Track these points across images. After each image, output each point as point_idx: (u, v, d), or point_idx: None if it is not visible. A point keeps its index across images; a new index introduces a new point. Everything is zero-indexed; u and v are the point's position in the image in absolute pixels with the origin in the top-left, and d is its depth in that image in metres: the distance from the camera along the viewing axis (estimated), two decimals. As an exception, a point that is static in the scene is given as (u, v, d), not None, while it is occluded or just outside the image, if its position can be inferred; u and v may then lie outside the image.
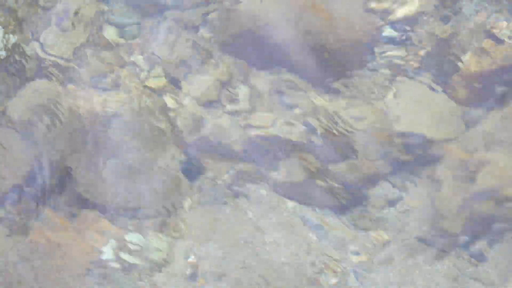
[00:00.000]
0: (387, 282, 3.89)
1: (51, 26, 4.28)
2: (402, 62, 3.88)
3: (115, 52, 4.21)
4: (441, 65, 3.85)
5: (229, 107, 4.06)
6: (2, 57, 4.29)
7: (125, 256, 4.12)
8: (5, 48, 4.28)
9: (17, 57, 4.29)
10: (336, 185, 3.93)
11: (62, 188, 4.18)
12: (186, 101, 4.11)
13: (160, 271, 4.08)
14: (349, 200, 3.93)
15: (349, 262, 3.93)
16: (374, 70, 3.91)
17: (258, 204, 4.01)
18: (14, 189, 4.23)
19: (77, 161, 4.17)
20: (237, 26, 4.05)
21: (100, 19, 4.24)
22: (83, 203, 4.16)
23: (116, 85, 4.20)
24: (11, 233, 4.22)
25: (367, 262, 3.91)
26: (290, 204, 3.99)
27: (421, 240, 3.85)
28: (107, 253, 4.12)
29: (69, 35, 4.27)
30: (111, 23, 4.24)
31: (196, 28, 4.14)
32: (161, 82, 4.16)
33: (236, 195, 4.03)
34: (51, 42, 4.28)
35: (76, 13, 4.25)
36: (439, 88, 3.84)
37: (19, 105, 4.28)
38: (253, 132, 4.01)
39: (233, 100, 4.07)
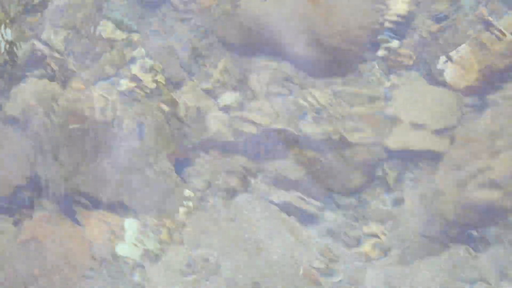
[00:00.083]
0: (385, 276, 3.87)
1: (48, 23, 4.32)
2: (400, 55, 3.90)
3: (114, 47, 4.24)
4: (438, 57, 3.87)
5: (228, 102, 4.08)
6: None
7: (122, 251, 4.12)
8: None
9: (13, 54, 4.33)
10: (332, 178, 3.93)
11: (58, 184, 4.20)
12: (185, 98, 4.13)
13: (155, 267, 4.08)
14: (346, 195, 3.93)
15: (347, 258, 3.92)
16: (372, 64, 3.92)
17: (254, 201, 4.01)
18: (11, 185, 4.26)
19: (75, 158, 4.19)
20: (238, 23, 4.07)
21: (98, 15, 4.28)
22: (80, 199, 4.18)
23: (115, 82, 4.22)
24: (7, 229, 4.24)
25: (364, 257, 3.90)
26: (285, 199, 3.99)
27: (419, 234, 3.84)
28: (105, 248, 4.13)
29: (68, 32, 4.31)
30: (109, 19, 4.28)
31: (194, 23, 4.17)
32: (161, 79, 4.18)
33: (233, 192, 4.04)
34: (49, 38, 4.32)
35: (72, 10, 4.30)
36: (437, 80, 3.85)
37: (17, 102, 4.31)
38: (250, 126, 4.03)
39: (232, 94, 4.09)
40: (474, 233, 3.79)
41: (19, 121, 4.28)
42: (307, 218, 3.96)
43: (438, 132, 3.84)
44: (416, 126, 3.85)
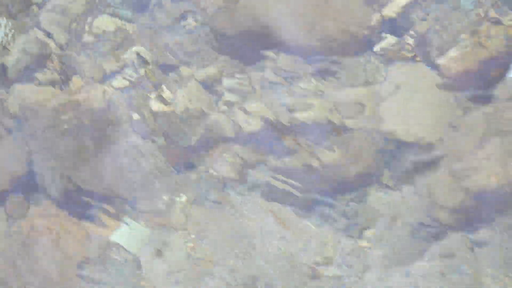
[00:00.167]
0: (382, 269, 3.91)
1: (47, 17, 4.31)
2: (397, 49, 3.90)
3: (111, 41, 4.23)
4: (435, 52, 3.87)
5: (227, 96, 4.08)
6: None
7: (120, 245, 4.15)
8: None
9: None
10: (330, 172, 3.95)
11: (55, 179, 4.21)
12: (183, 91, 4.13)
13: (152, 263, 4.10)
14: (343, 188, 3.95)
15: (344, 251, 3.95)
16: (369, 56, 3.92)
17: (251, 194, 4.03)
18: (10, 181, 4.27)
19: (73, 154, 4.19)
20: (236, 18, 4.06)
21: (95, 10, 4.26)
22: (77, 194, 4.19)
23: (112, 76, 4.21)
24: (5, 223, 4.25)
25: (360, 251, 3.93)
26: (282, 192, 4.01)
27: (416, 225, 3.87)
28: (102, 243, 4.15)
29: (66, 26, 4.30)
30: (109, 14, 4.26)
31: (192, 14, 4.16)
32: (158, 73, 4.17)
33: (230, 185, 4.06)
34: (50, 31, 4.31)
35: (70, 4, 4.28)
36: (434, 74, 3.85)
37: (16, 98, 4.32)
38: (249, 119, 4.03)
39: (230, 88, 4.09)
40: (471, 225, 3.82)
41: (16, 118, 4.29)
42: (304, 211, 3.98)
43: (433, 125, 3.85)
44: (412, 119, 3.86)
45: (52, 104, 4.22)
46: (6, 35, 4.27)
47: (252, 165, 4.01)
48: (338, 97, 3.93)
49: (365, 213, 3.91)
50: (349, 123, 3.89)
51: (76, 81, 4.24)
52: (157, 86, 4.15)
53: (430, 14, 3.84)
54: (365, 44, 3.90)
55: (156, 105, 4.13)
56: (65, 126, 4.18)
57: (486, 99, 3.78)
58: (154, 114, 4.12)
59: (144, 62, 4.15)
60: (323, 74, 3.95)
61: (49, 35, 4.29)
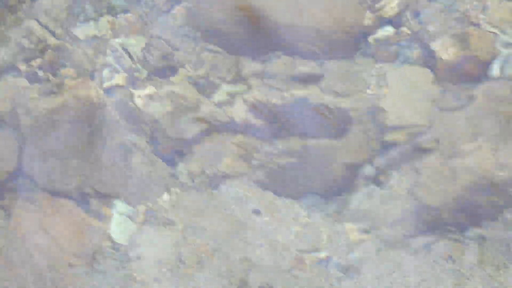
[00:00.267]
0: (372, 266, 3.90)
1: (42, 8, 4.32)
2: (392, 45, 3.92)
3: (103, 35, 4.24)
4: (427, 48, 3.89)
5: (224, 88, 4.08)
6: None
7: (107, 240, 4.12)
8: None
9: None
10: (322, 167, 3.95)
11: (47, 175, 4.19)
12: (177, 87, 4.12)
13: (145, 256, 4.08)
14: (335, 184, 3.94)
15: (333, 250, 3.93)
16: (364, 53, 3.94)
17: (243, 187, 4.02)
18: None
19: (65, 148, 4.18)
20: (234, 11, 4.07)
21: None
22: (70, 188, 4.17)
23: (103, 70, 4.21)
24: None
25: (351, 248, 3.92)
26: (275, 186, 4.01)
27: (404, 223, 3.87)
28: (95, 235, 4.12)
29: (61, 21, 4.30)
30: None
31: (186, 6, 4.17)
32: (147, 65, 4.16)
33: (222, 179, 4.05)
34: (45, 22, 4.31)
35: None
36: (427, 71, 3.87)
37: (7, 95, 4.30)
38: (245, 113, 4.03)
39: (227, 80, 4.09)
40: (460, 224, 3.82)
41: (7, 112, 4.27)
42: (295, 200, 3.99)
43: (422, 122, 3.87)
44: (402, 115, 3.87)
45: (43, 99, 4.21)
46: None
47: (244, 154, 4.00)
48: (332, 88, 3.94)
49: (355, 203, 3.91)
50: (343, 105, 3.91)
51: (68, 75, 4.23)
52: (146, 79, 4.14)
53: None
54: (360, 39, 3.93)
55: (144, 99, 4.12)
56: (57, 120, 4.16)
57: (473, 98, 3.81)
58: (143, 107, 4.11)
59: (131, 55, 4.13)
60: (316, 69, 3.97)
61: (44, 27, 4.28)
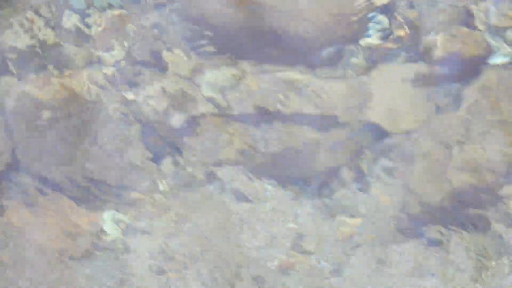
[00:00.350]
0: (363, 261, 3.93)
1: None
2: (382, 43, 3.90)
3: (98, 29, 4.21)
4: (419, 46, 3.88)
5: (216, 80, 4.07)
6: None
7: (99, 236, 4.14)
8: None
9: None
10: (313, 161, 3.96)
11: (40, 169, 4.19)
12: (170, 81, 4.11)
13: (134, 255, 4.11)
14: (324, 179, 3.96)
15: (324, 245, 3.96)
16: (355, 49, 3.92)
17: (232, 185, 4.04)
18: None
19: (59, 143, 4.18)
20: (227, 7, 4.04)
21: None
22: (64, 182, 4.18)
23: (96, 65, 4.19)
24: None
25: (343, 242, 3.95)
26: (265, 184, 4.02)
27: (394, 219, 3.90)
28: (89, 229, 4.15)
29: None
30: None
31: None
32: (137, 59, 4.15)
33: (215, 170, 4.06)
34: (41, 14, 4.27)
35: None
36: (417, 68, 3.86)
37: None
38: (239, 106, 4.02)
39: (219, 74, 4.07)
40: (451, 217, 3.85)
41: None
42: (283, 203, 4.00)
43: (414, 118, 3.87)
44: (392, 111, 3.87)
45: (37, 94, 4.19)
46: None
47: (239, 144, 4.01)
48: (324, 88, 3.94)
49: (347, 200, 3.93)
50: (335, 112, 3.91)
51: (59, 68, 4.21)
52: (137, 73, 4.13)
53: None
54: (353, 34, 3.91)
55: (135, 93, 4.11)
56: (50, 115, 4.15)
57: (465, 96, 3.81)
58: (135, 101, 4.10)
59: (124, 49, 4.12)
60: (309, 63, 3.96)
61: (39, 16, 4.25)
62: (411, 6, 3.88)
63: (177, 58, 4.08)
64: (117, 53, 4.13)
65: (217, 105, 4.03)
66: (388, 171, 3.88)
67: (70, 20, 4.18)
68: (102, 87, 4.13)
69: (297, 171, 3.97)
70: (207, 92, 4.04)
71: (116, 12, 4.13)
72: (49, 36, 4.19)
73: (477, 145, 3.80)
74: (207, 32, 4.04)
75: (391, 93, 3.88)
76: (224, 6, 4.03)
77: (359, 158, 3.92)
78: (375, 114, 3.90)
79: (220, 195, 4.03)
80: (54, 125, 4.15)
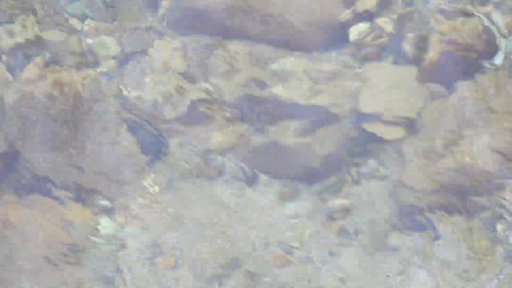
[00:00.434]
0: (355, 255, 3.96)
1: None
2: (371, 37, 3.90)
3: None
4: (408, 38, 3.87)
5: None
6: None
7: (89, 234, 4.17)
8: None
9: None
10: (308, 156, 3.97)
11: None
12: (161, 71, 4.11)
13: (128, 251, 4.13)
14: (318, 174, 3.97)
15: (318, 238, 3.98)
16: (344, 47, 3.92)
17: (224, 179, 4.05)
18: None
19: (53, 140, 4.18)
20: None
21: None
22: (55, 182, 4.19)
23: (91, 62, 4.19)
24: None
25: (336, 236, 3.97)
26: (260, 177, 4.03)
27: (385, 216, 3.92)
28: (70, 231, 4.17)
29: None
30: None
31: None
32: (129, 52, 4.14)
33: (203, 171, 4.07)
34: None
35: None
36: (408, 65, 3.86)
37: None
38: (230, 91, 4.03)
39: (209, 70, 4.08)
40: (439, 215, 3.87)
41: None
42: (278, 196, 4.02)
43: (403, 115, 3.88)
44: (381, 109, 3.88)
45: (31, 89, 4.20)
46: None
47: (234, 136, 4.02)
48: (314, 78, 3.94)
49: (339, 196, 3.95)
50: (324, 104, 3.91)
51: (53, 63, 4.21)
52: (132, 67, 4.12)
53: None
54: (338, 35, 3.90)
55: (131, 86, 4.11)
56: (45, 110, 4.16)
57: (454, 91, 3.81)
58: (130, 95, 4.11)
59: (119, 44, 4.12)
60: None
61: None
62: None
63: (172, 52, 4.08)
64: (114, 47, 4.13)
65: (211, 97, 4.03)
66: (382, 166, 3.90)
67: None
68: (97, 81, 4.14)
69: (289, 164, 3.99)
70: (201, 84, 4.04)
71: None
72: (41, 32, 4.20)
73: (469, 139, 3.81)
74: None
75: (382, 87, 3.89)
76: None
77: (349, 153, 3.93)
78: (367, 106, 3.91)
79: (216, 186, 4.04)
80: (50, 120, 4.16)
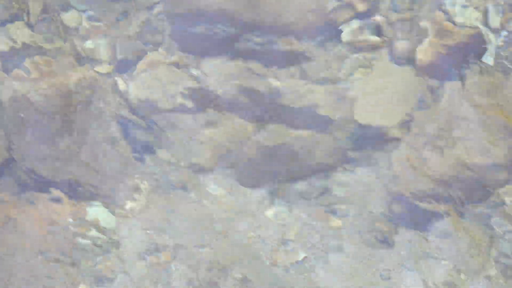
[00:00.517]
0: (349, 255, 3.97)
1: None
2: (363, 38, 3.93)
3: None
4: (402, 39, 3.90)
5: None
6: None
7: (80, 233, 4.16)
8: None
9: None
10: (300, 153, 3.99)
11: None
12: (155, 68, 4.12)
13: (120, 251, 4.14)
14: (313, 174, 3.98)
15: (310, 238, 3.99)
16: (337, 45, 3.94)
17: (218, 179, 4.05)
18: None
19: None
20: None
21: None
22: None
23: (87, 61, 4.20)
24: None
25: (329, 232, 3.99)
26: (251, 178, 4.03)
27: (378, 215, 3.94)
28: (63, 228, 4.16)
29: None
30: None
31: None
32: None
33: (198, 171, 4.07)
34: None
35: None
36: (403, 64, 3.89)
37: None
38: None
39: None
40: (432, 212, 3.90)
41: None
42: (273, 198, 4.03)
43: (397, 114, 3.90)
44: (375, 108, 3.91)
45: (28, 89, 4.20)
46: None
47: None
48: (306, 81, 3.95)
49: (331, 194, 3.97)
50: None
51: (54, 64, 4.21)
52: (128, 67, 4.14)
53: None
54: (330, 35, 3.92)
55: (124, 85, 4.12)
56: (42, 110, 4.16)
57: (447, 90, 3.84)
58: (124, 92, 4.11)
59: (113, 43, 4.12)
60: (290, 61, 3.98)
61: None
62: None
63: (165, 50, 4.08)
64: (109, 46, 4.14)
65: (207, 94, 4.03)
66: (370, 166, 3.92)
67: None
68: (91, 83, 4.14)
69: (285, 168, 4.01)
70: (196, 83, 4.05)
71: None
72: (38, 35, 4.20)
73: (461, 137, 3.84)
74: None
75: (372, 88, 3.90)
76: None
77: (343, 155, 3.94)
78: (360, 110, 3.92)
79: (205, 189, 4.05)
80: (44, 121, 4.15)
